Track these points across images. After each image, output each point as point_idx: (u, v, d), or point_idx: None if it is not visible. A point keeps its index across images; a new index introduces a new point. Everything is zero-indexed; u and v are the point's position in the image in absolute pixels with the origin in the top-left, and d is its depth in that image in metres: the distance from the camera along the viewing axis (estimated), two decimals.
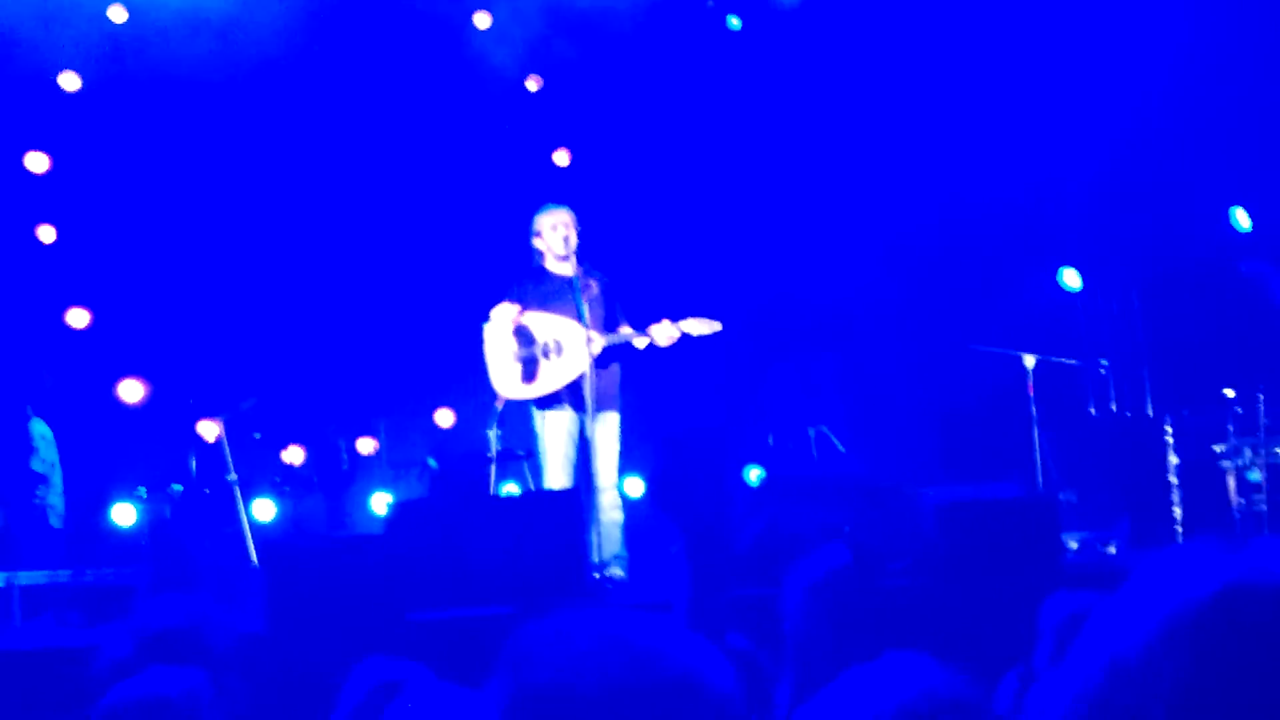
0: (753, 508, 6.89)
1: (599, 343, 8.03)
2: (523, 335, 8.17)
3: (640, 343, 8.09)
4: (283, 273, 10.13)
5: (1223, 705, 1.01)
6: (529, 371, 8.12)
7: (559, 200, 8.50)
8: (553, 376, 8.08)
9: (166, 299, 9.88)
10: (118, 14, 10.02)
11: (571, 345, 8.01)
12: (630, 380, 8.44)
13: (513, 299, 8.21)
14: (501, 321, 8.16)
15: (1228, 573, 1.07)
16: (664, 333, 8.01)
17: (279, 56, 9.97)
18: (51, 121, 9.97)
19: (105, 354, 9.84)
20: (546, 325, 8.12)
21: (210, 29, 9.82)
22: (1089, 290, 10.38)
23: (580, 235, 8.27)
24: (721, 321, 8.21)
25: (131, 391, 9.78)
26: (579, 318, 8.00)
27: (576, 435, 8.13)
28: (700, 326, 8.06)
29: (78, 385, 9.75)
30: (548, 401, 8.13)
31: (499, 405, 8.36)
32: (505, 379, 8.17)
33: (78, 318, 9.91)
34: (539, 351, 8.12)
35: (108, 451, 9.57)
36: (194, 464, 9.04)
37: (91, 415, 9.69)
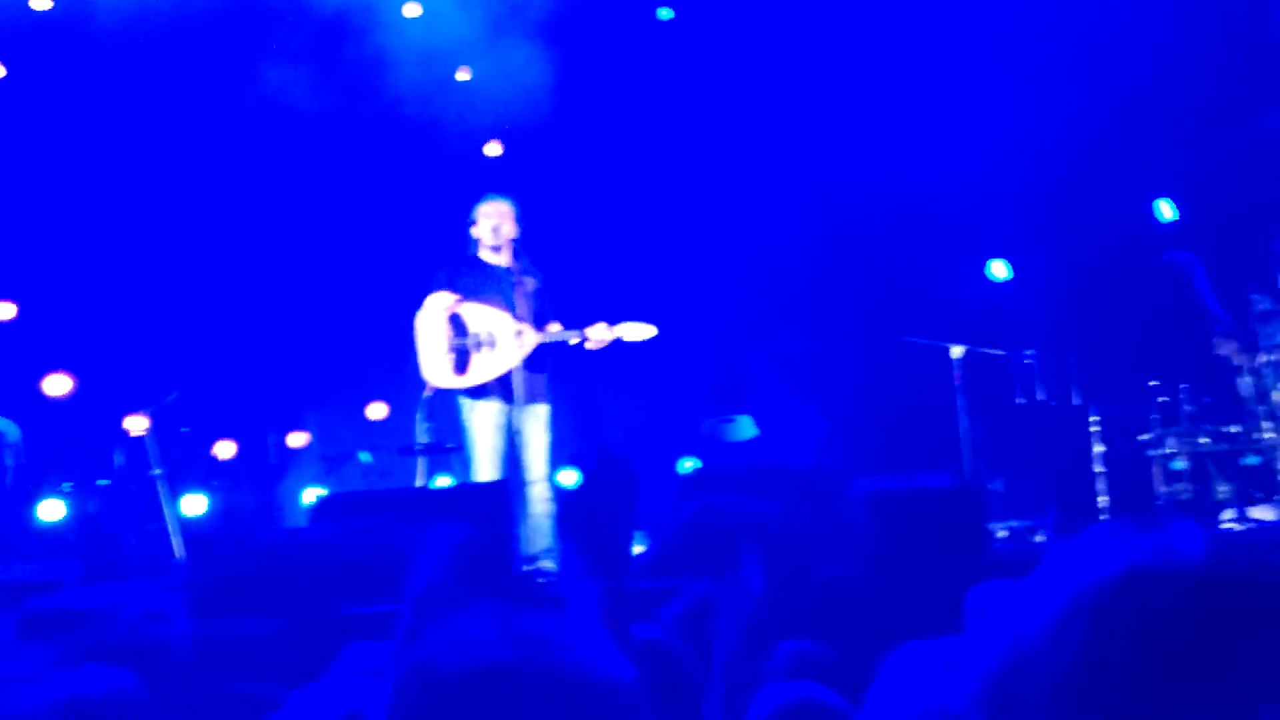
0: (682, 497, 6.90)
1: (532, 339, 8.01)
2: (457, 325, 8.13)
3: (573, 342, 8.09)
4: (212, 265, 10.04)
5: (1115, 685, 1.01)
6: (460, 362, 8.08)
7: (500, 192, 8.46)
8: (484, 368, 8.05)
9: (93, 292, 9.77)
10: (42, 2, 9.88)
11: (504, 338, 7.99)
12: (564, 371, 8.43)
13: (445, 286, 8.17)
14: (435, 310, 8.12)
15: (1132, 555, 1.08)
16: (598, 335, 8.00)
17: (214, 45, 9.88)
18: None
19: (31, 348, 9.71)
20: (481, 317, 8.09)
21: (133, 17, 9.70)
22: (1015, 281, 10.47)
23: (521, 230, 8.23)
24: (651, 317, 8.22)
25: (57, 385, 9.66)
26: (510, 310, 7.98)
27: (505, 427, 8.10)
28: (635, 331, 8.07)
29: (2, 379, 9.62)
30: (477, 393, 8.09)
31: (427, 394, 8.32)
32: (436, 368, 8.13)
33: (3, 310, 9.78)
34: (471, 343, 8.09)
35: (34, 446, 9.44)
36: (120, 458, 8.94)
37: (17, 410, 9.56)
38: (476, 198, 8.43)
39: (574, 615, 1.40)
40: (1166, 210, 10.31)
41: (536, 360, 8.09)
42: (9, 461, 8.90)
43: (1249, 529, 8.19)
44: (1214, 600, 1.04)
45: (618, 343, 8.17)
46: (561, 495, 7.88)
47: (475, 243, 8.32)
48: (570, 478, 9.62)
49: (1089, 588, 1.07)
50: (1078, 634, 1.05)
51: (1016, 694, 1.06)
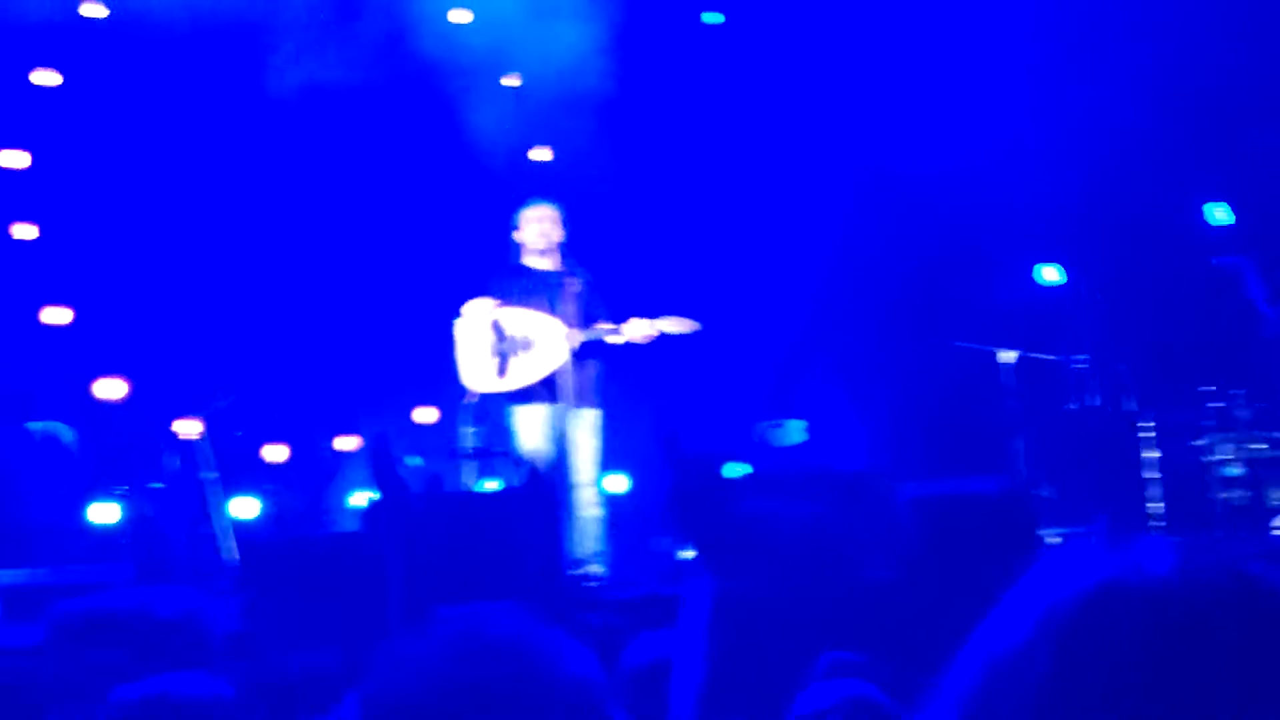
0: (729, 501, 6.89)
1: (574, 338, 8.02)
2: (497, 330, 8.16)
3: (616, 339, 8.08)
4: (264, 270, 10.11)
5: (1087, 701, 1.01)
6: (501, 366, 8.11)
7: (545, 197, 8.50)
8: (523, 371, 8.07)
9: (147, 296, 9.85)
10: (96, 10, 9.99)
11: (545, 340, 8.01)
12: (612, 377, 8.44)
13: (491, 294, 8.21)
14: (476, 316, 8.15)
15: (1103, 571, 1.07)
16: (639, 329, 8.00)
17: (259, 52, 9.96)
18: (30, 119, 9.93)
19: (85, 352, 9.81)
20: (519, 320, 8.11)
21: (188, 25, 9.79)
22: (1068, 286, 10.40)
23: (567, 233, 8.27)
24: (700, 320, 8.22)
25: (111, 389, 9.75)
26: (553, 312, 8.00)
27: (554, 432, 8.12)
28: (678, 325, 8.06)
29: (57, 383, 9.72)
30: (524, 397, 8.12)
31: (469, 400, 8.34)
32: (478, 373, 8.16)
33: (58, 315, 9.88)
34: (509, 347, 8.11)
35: (87, 450, 9.53)
36: (174, 462, 9.01)
37: (71, 413, 9.66)
38: (523, 202, 8.47)
39: (528, 616, 1.38)
40: (1218, 213, 10.21)
41: (584, 363, 8.10)
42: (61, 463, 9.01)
43: None
44: (1183, 613, 1.03)
45: (666, 344, 8.16)
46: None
47: (519, 248, 8.35)
48: (618, 483, 9.64)
49: (1058, 604, 1.07)
50: (1046, 650, 1.05)
51: (997, 708, 1.06)
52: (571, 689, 1.37)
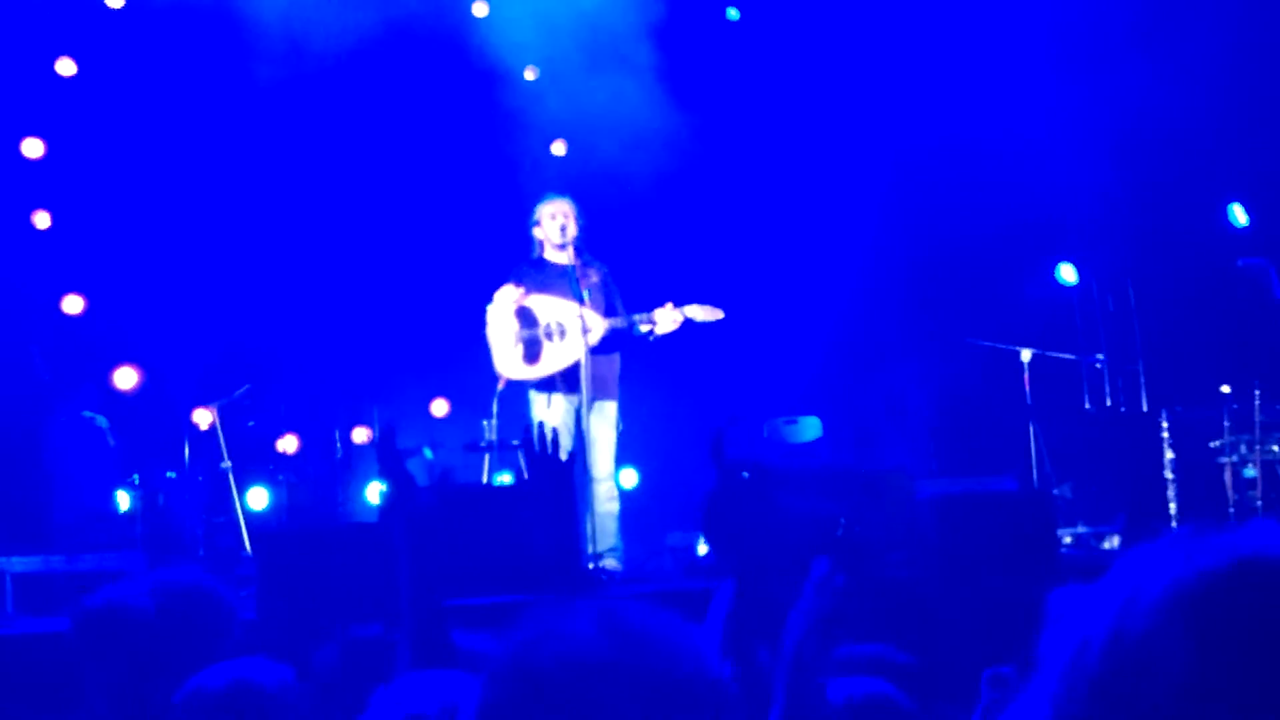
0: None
1: (600, 328, 8.01)
2: (525, 317, 8.15)
3: (644, 327, 8.06)
4: (278, 261, 10.10)
5: (1233, 682, 0.99)
6: (531, 353, 8.10)
7: (560, 190, 8.49)
8: (556, 358, 8.06)
9: (162, 286, 9.85)
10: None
11: (573, 328, 8.00)
12: (628, 371, 8.42)
13: (514, 283, 8.21)
14: (504, 303, 8.14)
15: (1238, 547, 1.05)
16: (667, 316, 7.99)
17: (275, 43, 9.94)
18: (47, 107, 9.93)
19: (100, 341, 9.81)
20: (550, 307, 8.10)
21: (205, 14, 9.79)
22: (1085, 285, 10.37)
23: (583, 226, 8.25)
24: (724, 310, 8.20)
25: (126, 379, 9.75)
26: (579, 303, 7.99)
27: (572, 424, 8.10)
28: (704, 313, 8.06)
29: (72, 372, 9.72)
30: (544, 386, 8.11)
31: (500, 386, 8.31)
32: (507, 360, 8.15)
33: (73, 304, 9.88)
34: (542, 333, 8.11)
35: (102, 438, 9.54)
36: (188, 451, 9.01)
37: (86, 402, 9.66)
38: (540, 195, 8.45)
39: (669, 612, 1.37)
40: (1240, 214, 10.18)
41: (605, 354, 8.09)
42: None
43: None
44: None
45: (690, 338, 8.15)
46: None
47: (539, 243, 8.33)
48: (628, 478, 9.62)
49: (1193, 581, 1.04)
50: (1189, 630, 1.02)
51: (1125, 694, 1.03)
52: (708, 690, 1.37)
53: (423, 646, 3.36)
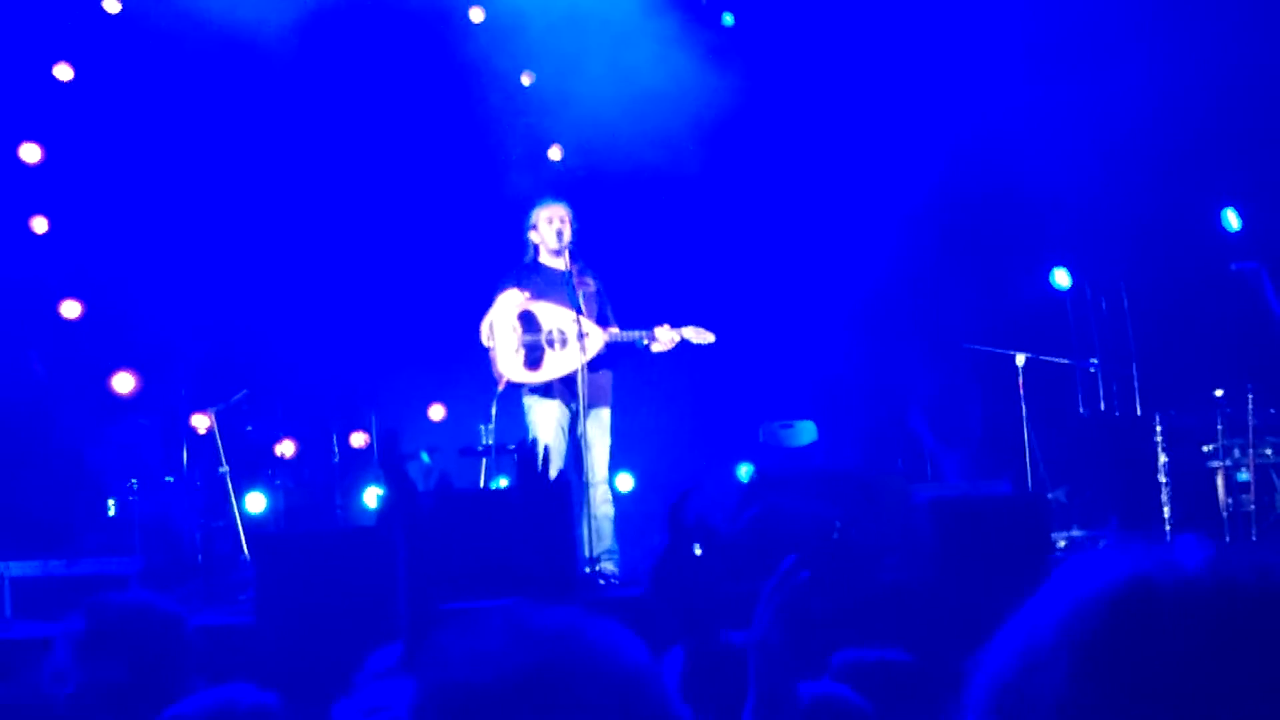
0: (744, 502, 6.91)
1: (599, 338, 8.06)
2: (528, 322, 8.18)
3: (643, 343, 8.16)
4: (276, 266, 10.12)
5: (1113, 700, 1.01)
6: (533, 358, 8.14)
7: (556, 195, 8.54)
8: (556, 365, 8.10)
9: (160, 291, 9.87)
10: (111, 4, 10.02)
11: (574, 337, 8.04)
12: (621, 377, 8.47)
13: (518, 287, 8.24)
14: (508, 306, 8.18)
15: (1137, 566, 1.07)
16: (665, 336, 8.13)
17: (273, 48, 9.96)
18: (45, 112, 9.96)
19: (97, 346, 9.83)
20: (553, 315, 8.14)
21: (203, 19, 9.81)
22: (1079, 290, 10.40)
23: (575, 233, 8.30)
24: (711, 321, 8.34)
25: (123, 383, 9.77)
26: (576, 310, 8.03)
27: (567, 428, 8.16)
28: (697, 335, 8.23)
29: (70, 377, 9.74)
30: (541, 392, 8.15)
31: (500, 387, 8.34)
32: (509, 363, 8.18)
33: (71, 309, 9.91)
34: (544, 339, 8.14)
35: (100, 443, 9.56)
36: (186, 456, 9.03)
37: (84, 407, 9.68)
38: (535, 202, 8.49)
39: (578, 610, 1.37)
40: (1232, 219, 10.22)
41: (601, 362, 8.14)
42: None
43: None
44: (1217, 610, 1.03)
45: (682, 345, 8.24)
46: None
47: (534, 248, 8.37)
48: (624, 482, 9.66)
49: (1085, 601, 1.07)
50: (1072, 648, 1.05)
51: (1024, 704, 1.06)
52: (629, 678, 1.36)
53: (419, 650, 3.38)
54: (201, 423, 9.16)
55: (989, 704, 1.09)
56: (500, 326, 8.19)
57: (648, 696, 1.37)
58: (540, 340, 8.15)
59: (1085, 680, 1.03)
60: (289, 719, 2.60)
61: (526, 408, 8.23)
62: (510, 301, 8.18)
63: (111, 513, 9.03)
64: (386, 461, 3.39)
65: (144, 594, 3.24)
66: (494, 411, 8.61)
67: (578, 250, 8.31)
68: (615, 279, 8.70)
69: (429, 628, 3.47)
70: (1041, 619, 1.09)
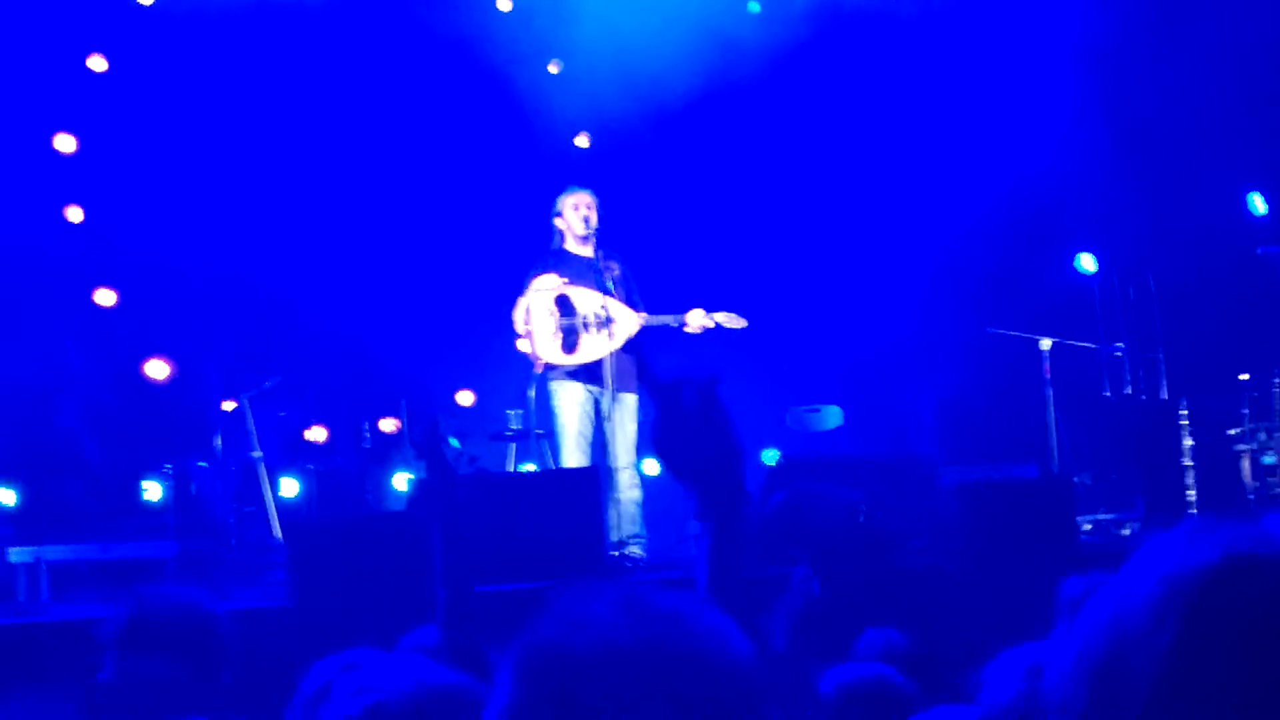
0: (770, 487, 6.96)
1: (635, 322, 8.13)
2: (564, 305, 8.23)
3: (674, 325, 8.26)
4: (308, 254, 10.19)
5: (1214, 672, 1.03)
6: (569, 342, 8.19)
7: (582, 182, 8.59)
8: (592, 348, 8.16)
9: (193, 279, 9.96)
10: None
11: (613, 321, 8.11)
12: (651, 360, 8.52)
13: (554, 272, 8.29)
14: (545, 290, 8.22)
15: (1232, 543, 1.08)
16: (697, 320, 8.20)
17: (307, 38, 10.04)
18: (79, 103, 10.04)
19: (132, 333, 9.92)
20: (586, 299, 8.19)
21: (236, 11, 9.88)
22: (1105, 274, 10.40)
23: (601, 219, 8.35)
24: (741, 306, 8.39)
25: (158, 370, 9.88)
26: (606, 295, 8.09)
27: (593, 413, 8.22)
28: (730, 320, 8.28)
29: (105, 364, 9.84)
30: (569, 376, 8.21)
31: (538, 369, 8.38)
32: (546, 346, 8.22)
33: (105, 297, 10.01)
34: (579, 323, 8.18)
35: (135, 429, 9.66)
36: (219, 441, 9.13)
37: (119, 393, 9.78)
38: (562, 189, 8.54)
39: (695, 594, 1.35)
40: (1259, 203, 10.21)
41: (630, 347, 8.20)
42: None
43: None
44: None
45: (709, 330, 8.30)
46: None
47: (560, 234, 8.42)
48: (650, 466, 9.72)
49: (1186, 575, 1.07)
50: (1175, 622, 1.05)
51: (1117, 682, 1.07)
52: (736, 671, 1.36)
53: (455, 630, 3.44)
54: (234, 408, 9.27)
55: (1079, 684, 1.10)
56: (537, 310, 8.23)
57: (747, 691, 1.37)
58: (577, 324, 8.20)
59: (1186, 656, 1.04)
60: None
61: (551, 393, 8.29)
62: (547, 285, 8.23)
63: (150, 497, 9.13)
64: (427, 447, 3.45)
65: (187, 589, 3.29)
66: (532, 395, 8.66)
67: (604, 236, 8.36)
68: (643, 265, 8.75)
69: (465, 609, 3.52)
70: (1131, 596, 1.09)
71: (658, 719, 1.31)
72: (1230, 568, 1.06)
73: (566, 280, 8.23)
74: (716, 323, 8.30)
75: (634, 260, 8.62)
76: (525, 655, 1.36)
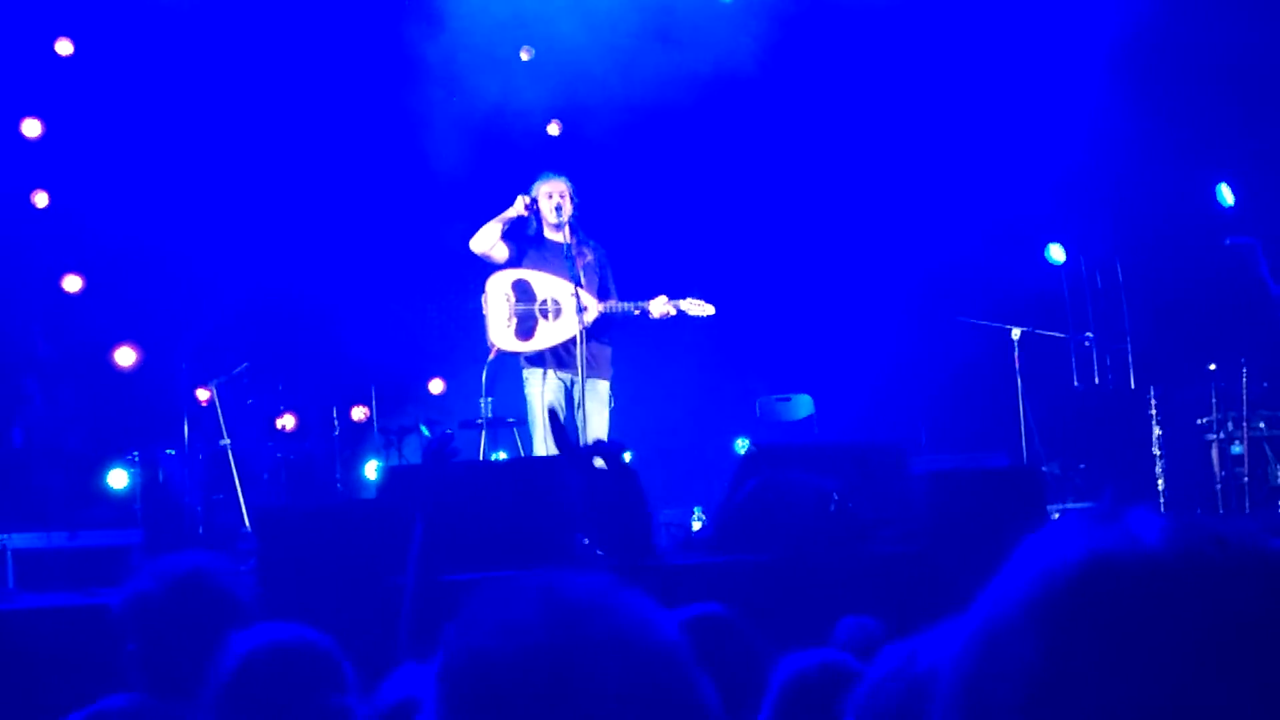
0: (741, 476, 6.95)
1: (594, 310, 8.12)
2: (523, 291, 8.24)
3: (635, 313, 8.22)
4: (277, 240, 10.15)
5: (1081, 676, 1.02)
6: (525, 328, 8.20)
7: (556, 170, 8.58)
8: (549, 335, 8.17)
9: (161, 265, 9.91)
10: None
11: (568, 307, 8.10)
12: (621, 349, 8.53)
13: (513, 262, 8.31)
14: (505, 276, 8.24)
15: (1095, 542, 1.07)
16: (660, 308, 8.18)
17: (276, 22, 9.99)
18: (46, 87, 9.97)
19: (99, 319, 9.86)
20: (547, 285, 8.20)
21: None
22: (1074, 264, 10.45)
23: (578, 206, 8.36)
24: (711, 295, 8.38)
25: (126, 357, 9.82)
26: (575, 283, 8.09)
27: (564, 401, 8.23)
28: (696, 308, 8.26)
29: (72, 350, 9.78)
30: (538, 362, 8.22)
31: (491, 356, 8.40)
32: (500, 332, 8.24)
33: (72, 283, 9.94)
34: (537, 309, 8.20)
35: (102, 416, 9.61)
36: (187, 429, 9.08)
37: (86, 380, 9.72)
38: (535, 176, 8.53)
39: (615, 582, 1.35)
40: (1227, 194, 10.26)
41: (598, 334, 8.20)
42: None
43: None
44: (1179, 582, 1.03)
45: (679, 318, 8.29)
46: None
47: (537, 220, 8.42)
48: (626, 456, 9.70)
49: (1049, 577, 1.05)
50: (1038, 625, 1.04)
51: (991, 686, 1.06)
52: (659, 655, 1.37)
53: (420, 620, 3.44)
54: (203, 395, 9.22)
55: (955, 687, 1.09)
56: (494, 295, 8.25)
57: (675, 672, 1.38)
58: (534, 310, 8.21)
59: (1048, 661, 1.03)
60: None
61: (525, 381, 8.30)
62: (508, 271, 8.26)
63: (117, 485, 9.08)
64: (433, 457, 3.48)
65: (213, 563, 3.29)
66: (484, 379, 8.64)
67: (580, 220, 8.37)
68: (615, 252, 8.74)
69: (430, 600, 3.51)
70: (1002, 599, 1.08)
71: (591, 714, 1.31)
72: (1092, 568, 1.05)
73: (527, 267, 8.26)
74: (680, 310, 8.26)
75: (606, 247, 8.61)
76: (449, 665, 1.37)
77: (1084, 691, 1.01)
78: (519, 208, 8.30)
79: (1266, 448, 8.92)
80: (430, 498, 3.10)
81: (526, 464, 8.10)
